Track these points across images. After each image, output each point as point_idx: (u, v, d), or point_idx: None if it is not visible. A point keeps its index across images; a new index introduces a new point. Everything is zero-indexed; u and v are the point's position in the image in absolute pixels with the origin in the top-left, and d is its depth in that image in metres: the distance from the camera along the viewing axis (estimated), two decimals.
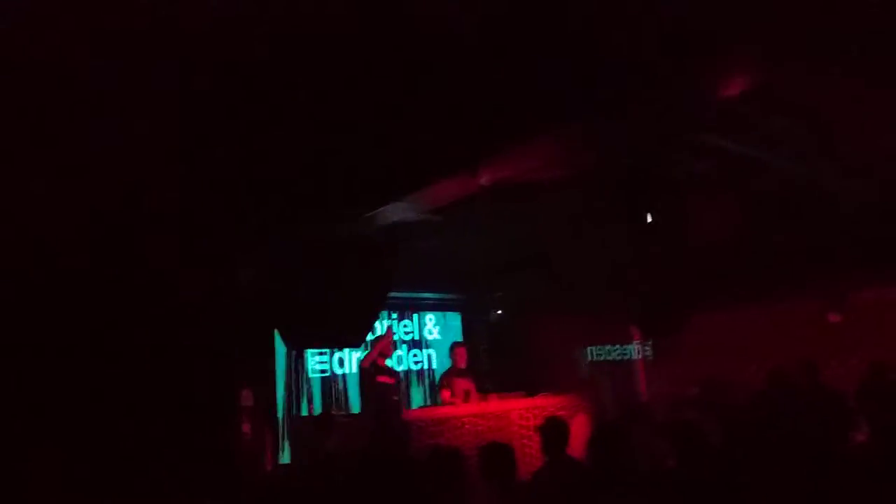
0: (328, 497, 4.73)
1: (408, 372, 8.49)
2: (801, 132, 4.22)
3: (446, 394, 6.74)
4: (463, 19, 2.86)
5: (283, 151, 4.18)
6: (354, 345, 6.63)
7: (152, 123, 3.77)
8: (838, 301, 7.38)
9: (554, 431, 3.86)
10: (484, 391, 6.77)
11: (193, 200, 5.00)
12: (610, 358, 9.11)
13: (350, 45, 3.15)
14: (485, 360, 8.68)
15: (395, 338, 8.31)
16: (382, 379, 6.43)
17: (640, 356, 9.21)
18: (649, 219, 5.03)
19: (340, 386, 7.94)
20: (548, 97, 3.43)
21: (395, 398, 6.58)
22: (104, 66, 3.20)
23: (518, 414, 6.31)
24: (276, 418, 7.45)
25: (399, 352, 8.34)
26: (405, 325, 8.65)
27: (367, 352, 6.57)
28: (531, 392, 6.76)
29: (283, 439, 7.46)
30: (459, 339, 8.72)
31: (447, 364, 7.33)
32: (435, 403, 7.71)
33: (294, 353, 7.50)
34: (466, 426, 5.96)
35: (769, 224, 6.17)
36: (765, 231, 6.33)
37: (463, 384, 6.78)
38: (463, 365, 6.92)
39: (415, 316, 8.72)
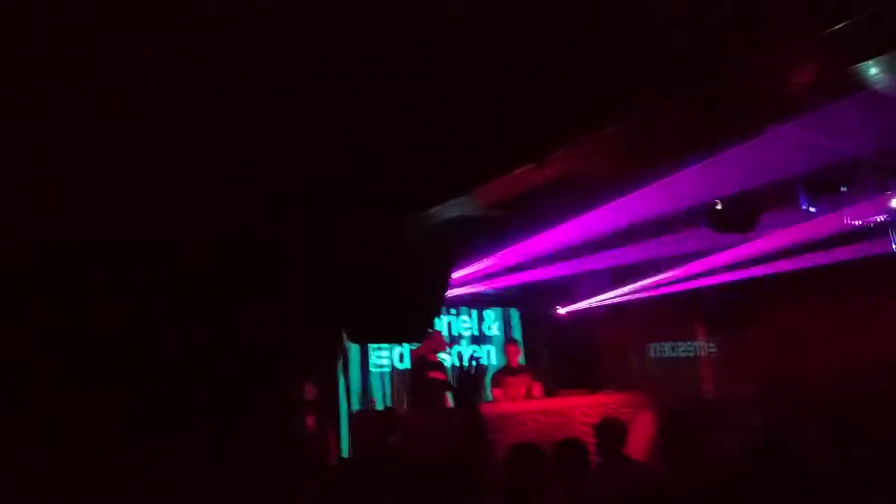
0: (394, 490, 4.77)
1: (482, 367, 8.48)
2: None
3: (497, 392, 6.68)
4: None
5: (347, 149, 4.22)
6: (415, 339, 6.66)
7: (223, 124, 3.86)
8: None
9: (610, 431, 3.79)
10: (547, 388, 6.70)
11: (260, 196, 5.11)
12: (674, 355, 8.90)
13: (408, 38, 3.13)
14: (545, 357, 8.59)
15: (455, 333, 8.33)
16: (434, 375, 6.44)
17: (705, 353, 8.98)
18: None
19: (401, 381, 8.01)
20: (615, 89, 3.34)
21: (445, 394, 6.55)
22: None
23: (581, 411, 6.21)
24: (339, 413, 7.56)
25: (458, 348, 8.34)
26: (464, 321, 8.64)
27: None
28: (594, 389, 6.65)
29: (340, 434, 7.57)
30: (518, 335, 8.68)
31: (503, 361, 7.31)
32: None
33: (355, 347, 7.60)
34: (529, 423, 5.91)
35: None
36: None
37: (515, 382, 6.72)
38: (514, 363, 6.85)
39: (474, 312, 8.70)
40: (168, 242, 5.49)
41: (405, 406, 7.73)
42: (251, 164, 4.42)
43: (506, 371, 6.94)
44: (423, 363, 6.37)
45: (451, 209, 4.40)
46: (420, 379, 6.37)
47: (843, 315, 7.43)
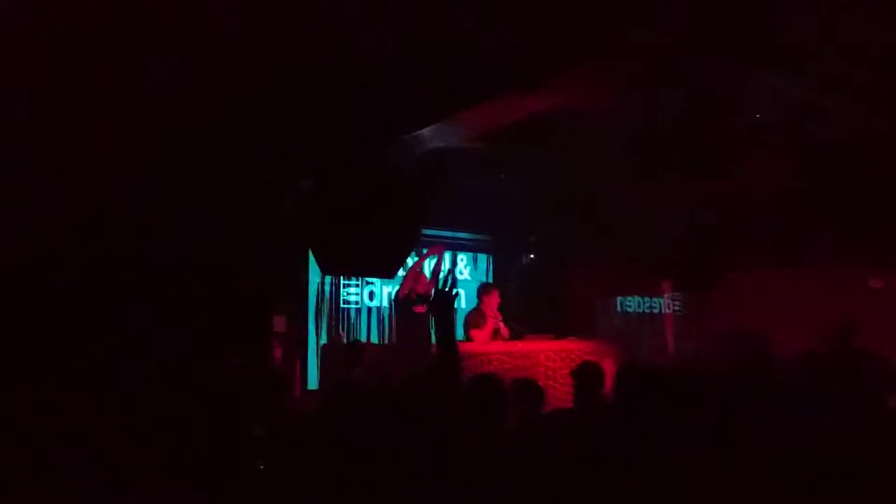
0: (356, 422, 4.84)
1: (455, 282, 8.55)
2: (865, 77, 4.01)
3: (476, 333, 6.78)
4: None
5: (325, 72, 4.10)
6: (387, 276, 6.67)
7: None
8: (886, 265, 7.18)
9: (590, 374, 3.86)
10: (516, 332, 6.79)
11: (235, 128, 4.99)
12: (639, 310, 9.07)
13: None
14: (514, 303, 8.69)
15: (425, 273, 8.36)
16: (418, 309, 6.47)
17: (668, 311, 9.18)
18: (699, 169, 4.89)
19: (369, 318, 8.08)
20: (605, 19, 3.26)
21: (427, 328, 6.60)
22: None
23: (545, 355, 6.34)
24: (306, 345, 7.60)
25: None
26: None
27: (399, 285, 6.62)
28: (559, 336, 6.77)
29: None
30: (489, 280, 8.75)
31: (474, 304, 7.35)
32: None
33: (326, 282, 7.61)
34: (494, 363, 6.02)
35: (820, 181, 5.96)
36: (815, 189, 6.12)
37: (492, 324, 6.82)
38: (490, 310, 6.88)
39: (447, 254, 8.72)
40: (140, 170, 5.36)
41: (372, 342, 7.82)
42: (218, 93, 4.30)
43: (479, 315, 6.99)
44: (408, 298, 6.39)
45: (433, 139, 4.33)
46: (404, 314, 6.40)
47: (804, 282, 7.64)
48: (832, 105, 4.65)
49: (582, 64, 3.27)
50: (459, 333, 6.76)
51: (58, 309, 5.19)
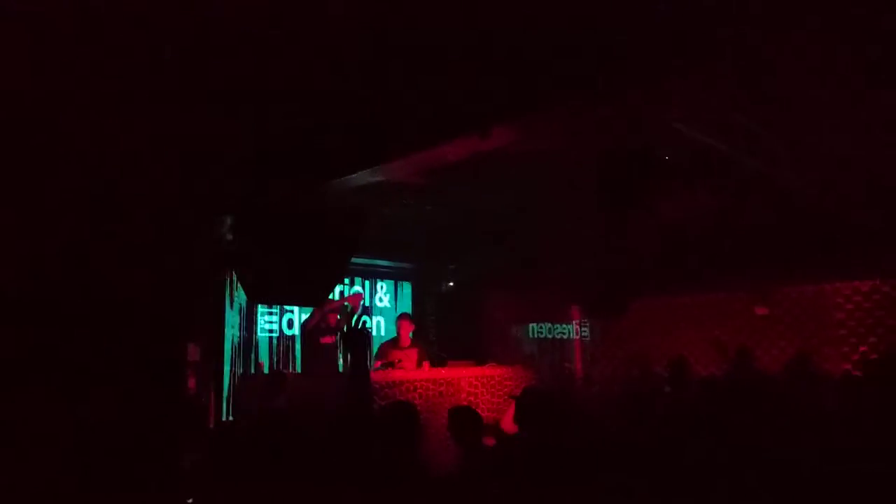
0: (278, 451, 4.81)
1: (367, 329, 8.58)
2: (759, 129, 4.54)
3: (378, 364, 6.77)
4: None
5: (255, 118, 4.17)
6: (314, 304, 6.68)
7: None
8: (764, 295, 7.94)
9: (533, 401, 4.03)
10: (436, 359, 6.95)
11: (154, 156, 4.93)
12: (551, 336, 9.49)
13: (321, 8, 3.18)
14: (433, 330, 8.88)
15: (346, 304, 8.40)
16: (325, 340, 6.51)
17: (577, 336, 9.66)
18: (615, 205, 5.27)
19: (287, 346, 8.00)
20: (535, 75, 3.56)
21: (335, 358, 6.63)
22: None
23: (467, 381, 6.55)
24: (222, 375, 7.42)
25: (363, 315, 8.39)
26: (357, 291, 8.72)
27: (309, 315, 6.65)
28: (480, 362, 7.00)
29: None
30: (409, 308, 8.90)
31: (393, 333, 7.46)
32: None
33: (244, 311, 7.49)
34: (419, 390, 6.15)
35: (712, 216, 6.54)
36: (707, 222, 6.70)
37: (403, 356, 6.84)
38: (405, 338, 6.97)
39: (367, 283, 8.81)
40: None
41: (294, 370, 7.74)
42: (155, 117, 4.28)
43: (394, 344, 7.06)
44: (317, 328, 6.41)
45: (369, 176, 4.48)
46: (312, 343, 6.41)
47: (700, 309, 8.30)
48: (725, 150, 5.21)
49: (523, 119, 3.54)
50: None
51: None
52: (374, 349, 7.24)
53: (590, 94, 3.33)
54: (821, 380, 5.53)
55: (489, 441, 4.22)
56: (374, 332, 8.83)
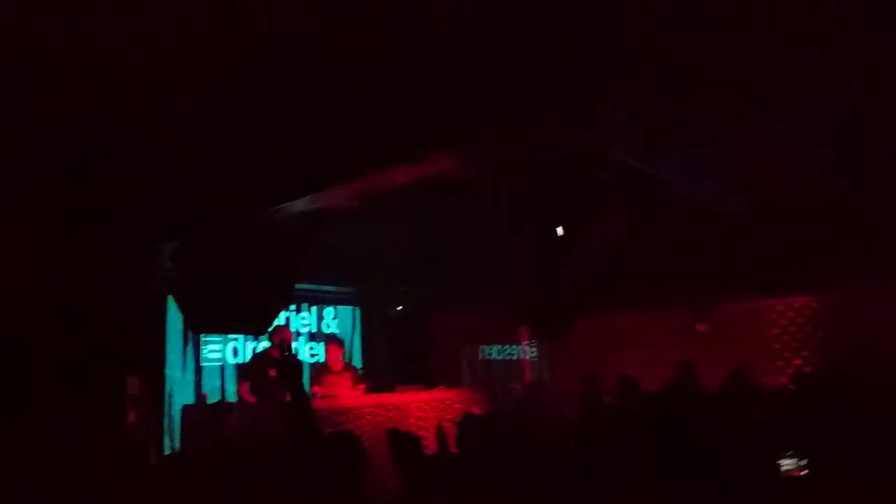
0: (228, 482, 4.69)
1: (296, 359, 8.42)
2: (684, 151, 4.74)
3: (316, 389, 6.49)
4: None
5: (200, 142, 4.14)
6: (259, 332, 6.56)
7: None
8: (704, 312, 8.20)
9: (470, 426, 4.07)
10: (385, 384, 6.90)
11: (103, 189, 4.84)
12: (500, 357, 9.57)
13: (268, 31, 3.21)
14: (381, 355, 8.82)
15: (293, 330, 8.27)
16: (272, 372, 6.37)
17: (525, 357, 9.78)
18: (554, 229, 5.40)
19: (233, 375, 7.82)
20: (465, 102, 3.64)
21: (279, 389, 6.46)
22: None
23: (417, 406, 6.52)
24: (164, 407, 7.20)
25: (295, 344, 8.28)
26: (303, 318, 8.62)
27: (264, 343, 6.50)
28: (429, 386, 6.99)
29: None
30: (357, 333, 8.83)
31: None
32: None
33: (186, 340, 7.31)
34: (367, 416, 6.09)
35: (651, 237, 6.75)
36: (646, 244, 6.91)
37: (336, 381, 6.61)
38: (335, 362, 6.73)
39: (314, 308, 8.71)
40: None
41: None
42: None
43: (325, 369, 6.83)
44: (266, 357, 6.29)
45: (311, 202, 4.47)
46: (259, 373, 6.29)
47: (644, 326, 8.52)
48: (658, 173, 5.42)
49: (463, 147, 3.62)
50: None
51: None
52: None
53: (514, 123, 3.44)
54: (757, 393, 5.72)
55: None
56: (321, 359, 8.71)
